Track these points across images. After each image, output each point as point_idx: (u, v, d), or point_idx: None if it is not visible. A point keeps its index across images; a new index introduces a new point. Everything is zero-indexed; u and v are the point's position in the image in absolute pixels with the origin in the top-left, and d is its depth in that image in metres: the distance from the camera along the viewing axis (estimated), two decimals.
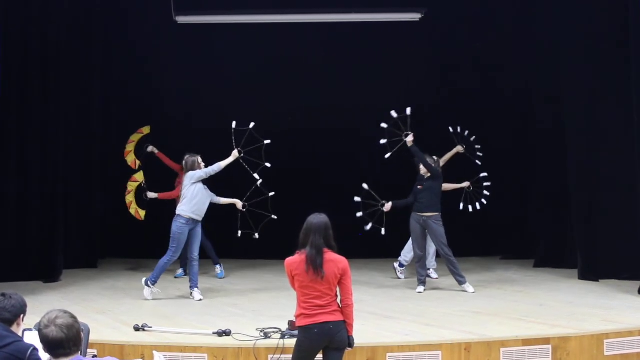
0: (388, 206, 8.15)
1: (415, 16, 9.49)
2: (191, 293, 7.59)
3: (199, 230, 7.68)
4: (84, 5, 9.47)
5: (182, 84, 10.54)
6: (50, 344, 3.21)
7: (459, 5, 10.29)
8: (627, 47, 7.78)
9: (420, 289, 7.90)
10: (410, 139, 7.86)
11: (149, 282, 7.51)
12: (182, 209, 7.54)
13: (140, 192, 8.78)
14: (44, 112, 8.61)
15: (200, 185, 7.63)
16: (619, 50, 8.12)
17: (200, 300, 7.45)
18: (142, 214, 8.79)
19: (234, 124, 7.86)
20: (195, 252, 7.67)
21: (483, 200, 8.74)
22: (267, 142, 7.95)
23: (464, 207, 8.72)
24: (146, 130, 9.09)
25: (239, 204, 8.08)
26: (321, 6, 9.35)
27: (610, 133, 8.40)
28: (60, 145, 8.82)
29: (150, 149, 9.05)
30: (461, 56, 10.59)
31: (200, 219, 7.65)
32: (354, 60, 10.66)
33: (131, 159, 8.97)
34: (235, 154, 7.78)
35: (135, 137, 9.06)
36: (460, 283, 7.90)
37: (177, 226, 7.49)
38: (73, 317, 3.26)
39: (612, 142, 8.39)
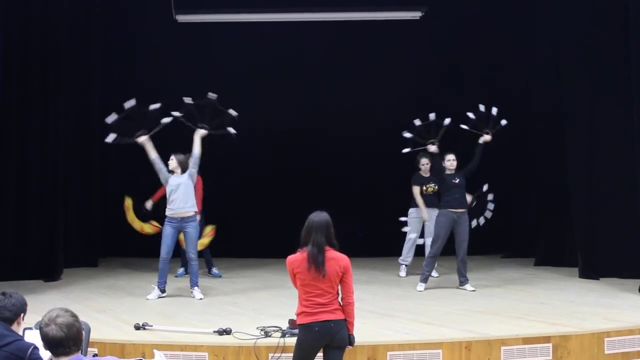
0: (433, 148, 7.99)
1: (415, 14, 9.48)
2: (192, 292, 7.59)
3: (190, 230, 7.56)
4: (84, 5, 9.46)
5: (182, 83, 10.51)
6: (50, 343, 3.21)
7: (460, 5, 10.29)
8: (627, 47, 7.78)
9: (421, 287, 7.90)
10: (487, 137, 8.02)
11: (157, 288, 7.55)
12: (167, 209, 7.59)
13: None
14: (44, 112, 8.60)
15: (172, 182, 7.50)
16: (618, 50, 8.12)
17: (201, 299, 7.46)
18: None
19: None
20: (192, 252, 7.62)
21: (487, 215, 8.70)
22: (155, 106, 7.39)
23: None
24: (128, 202, 8.83)
25: (199, 132, 7.58)
26: (321, 5, 9.35)
27: (610, 133, 8.40)
28: (60, 145, 8.82)
29: (148, 205, 8.80)
30: (461, 55, 10.59)
31: (179, 212, 7.45)
32: (355, 59, 10.68)
33: (138, 226, 8.84)
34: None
35: (128, 210, 8.84)
36: (462, 283, 7.92)
37: (163, 226, 7.57)
38: (74, 315, 3.26)
39: (612, 142, 8.39)
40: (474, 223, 8.61)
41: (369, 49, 10.65)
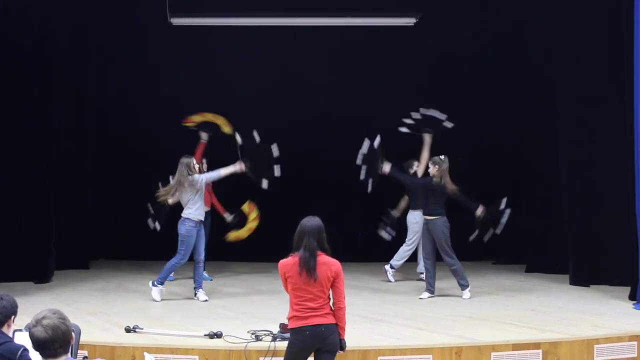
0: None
1: (409, 21, 9.47)
2: (195, 294, 7.61)
3: (202, 232, 7.69)
4: (80, 10, 9.44)
5: (178, 86, 10.51)
6: (36, 344, 3.20)
7: (454, 11, 10.30)
8: (627, 48, 7.79)
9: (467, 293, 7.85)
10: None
11: (155, 283, 7.53)
12: (191, 212, 7.50)
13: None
14: (39, 116, 8.60)
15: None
16: (617, 51, 8.10)
17: (206, 300, 7.48)
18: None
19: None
20: (202, 254, 7.68)
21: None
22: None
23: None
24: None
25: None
26: (316, 9, 9.35)
27: (605, 140, 8.40)
28: (55, 148, 8.83)
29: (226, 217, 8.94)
30: (456, 61, 10.59)
31: (203, 219, 7.68)
32: (350, 64, 10.65)
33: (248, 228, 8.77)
34: (238, 166, 7.75)
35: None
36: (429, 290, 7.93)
37: (186, 229, 7.46)
38: (61, 317, 3.22)
39: (604, 150, 8.40)
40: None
41: (364, 55, 10.64)
